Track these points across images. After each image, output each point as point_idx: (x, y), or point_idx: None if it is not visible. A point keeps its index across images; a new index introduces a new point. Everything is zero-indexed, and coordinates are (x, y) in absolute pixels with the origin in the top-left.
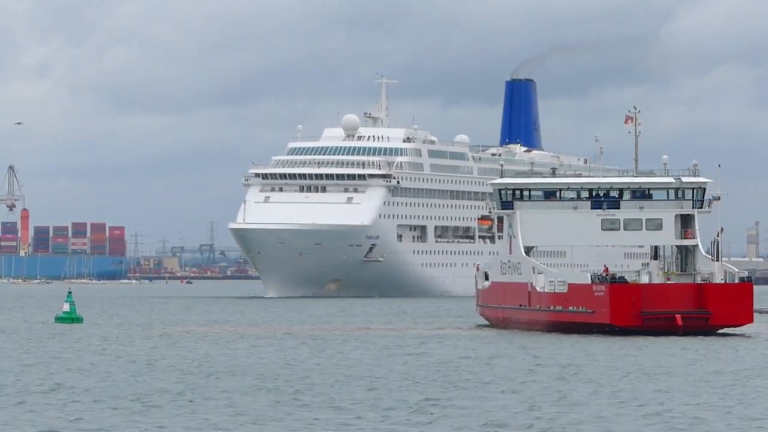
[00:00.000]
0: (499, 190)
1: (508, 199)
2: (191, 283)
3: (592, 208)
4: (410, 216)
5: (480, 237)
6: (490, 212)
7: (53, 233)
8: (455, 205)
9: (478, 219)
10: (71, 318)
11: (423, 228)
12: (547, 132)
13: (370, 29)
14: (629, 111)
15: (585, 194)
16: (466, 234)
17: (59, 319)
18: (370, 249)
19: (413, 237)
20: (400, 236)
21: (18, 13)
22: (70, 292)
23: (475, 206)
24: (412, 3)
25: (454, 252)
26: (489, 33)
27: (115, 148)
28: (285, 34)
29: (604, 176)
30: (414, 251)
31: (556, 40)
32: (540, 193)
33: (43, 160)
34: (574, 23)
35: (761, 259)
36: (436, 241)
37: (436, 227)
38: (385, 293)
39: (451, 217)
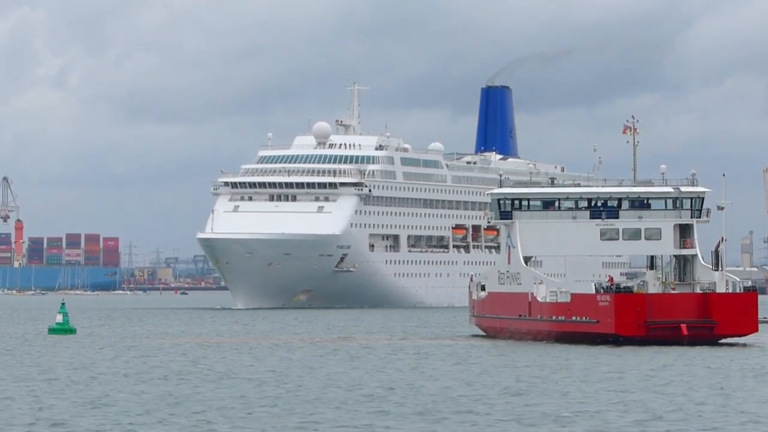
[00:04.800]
0: (498, 199)
1: (507, 208)
2: (186, 293)
3: (591, 217)
4: (382, 225)
5: (454, 246)
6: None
7: (47, 244)
8: (429, 214)
9: (453, 228)
10: (64, 329)
11: (396, 237)
12: (550, 141)
13: (388, 39)
14: (627, 120)
15: (584, 204)
16: (440, 243)
17: (52, 331)
18: (342, 259)
19: (386, 246)
20: (372, 246)
21: (36, 24)
22: (63, 303)
23: (449, 215)
24: (430, 13)
25: (428, 262)
26: (507, 42)
27: (115, 159)
28: (300, 44)
29: (603, 186)
30: (386, 261)
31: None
32: (539, 202)
33: (42, 171)
34: (592, 32)
35: (755, 269)
36: (409, 251)
37: (409, 236)
38: (356, 304)
39: (425, 226)
